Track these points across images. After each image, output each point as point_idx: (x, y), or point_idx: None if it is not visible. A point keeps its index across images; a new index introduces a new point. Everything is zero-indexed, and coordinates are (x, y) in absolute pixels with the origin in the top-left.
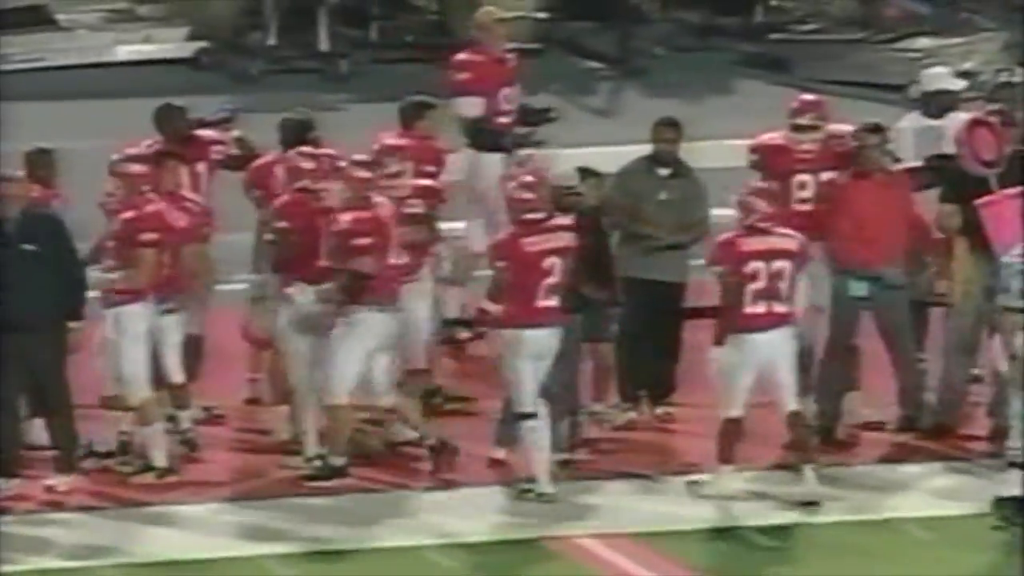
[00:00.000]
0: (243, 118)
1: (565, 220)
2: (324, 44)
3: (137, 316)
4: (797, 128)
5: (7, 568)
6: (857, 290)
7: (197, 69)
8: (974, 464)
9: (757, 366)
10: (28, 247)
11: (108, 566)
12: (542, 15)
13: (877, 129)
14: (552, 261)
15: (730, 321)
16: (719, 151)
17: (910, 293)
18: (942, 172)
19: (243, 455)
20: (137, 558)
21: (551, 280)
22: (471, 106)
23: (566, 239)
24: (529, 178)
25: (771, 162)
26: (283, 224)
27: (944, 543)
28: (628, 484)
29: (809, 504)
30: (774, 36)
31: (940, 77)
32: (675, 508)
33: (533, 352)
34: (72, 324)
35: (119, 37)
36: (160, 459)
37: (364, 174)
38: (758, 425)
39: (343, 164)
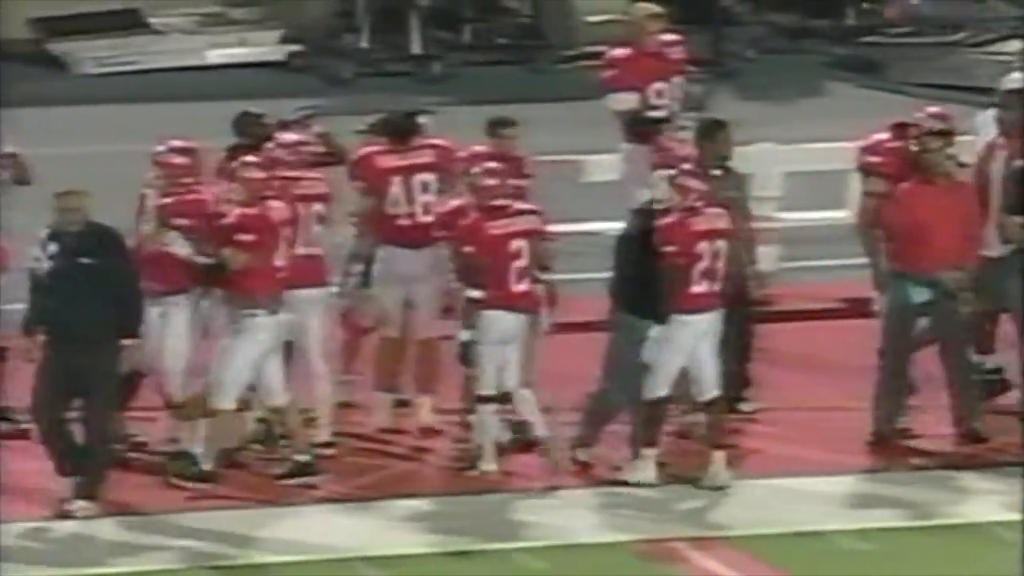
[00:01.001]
0: (334, 120)
1: (529, 206)
2: (416, 47)
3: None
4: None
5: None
6: (917, 296)
7: (290, 72)
8: None
9: (692, 347)
10: (86, 260)
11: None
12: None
13: (942, 134)
14: (519, 244)
15: (673, 301)
16: (811, 154)
17: (973, 301)
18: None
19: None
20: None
21: (519, 263)
22: (624, 101)
23: (532, 222)
24: (493, 164)
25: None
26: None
27: None
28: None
29: (718, 488)
30: (865, 39)
31: (1017, 80)
32: (762, 511)
33: (498, 336)
34: (127, 341)
35: (212, 40)
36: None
37: (257, 175)
38: (845, 427)
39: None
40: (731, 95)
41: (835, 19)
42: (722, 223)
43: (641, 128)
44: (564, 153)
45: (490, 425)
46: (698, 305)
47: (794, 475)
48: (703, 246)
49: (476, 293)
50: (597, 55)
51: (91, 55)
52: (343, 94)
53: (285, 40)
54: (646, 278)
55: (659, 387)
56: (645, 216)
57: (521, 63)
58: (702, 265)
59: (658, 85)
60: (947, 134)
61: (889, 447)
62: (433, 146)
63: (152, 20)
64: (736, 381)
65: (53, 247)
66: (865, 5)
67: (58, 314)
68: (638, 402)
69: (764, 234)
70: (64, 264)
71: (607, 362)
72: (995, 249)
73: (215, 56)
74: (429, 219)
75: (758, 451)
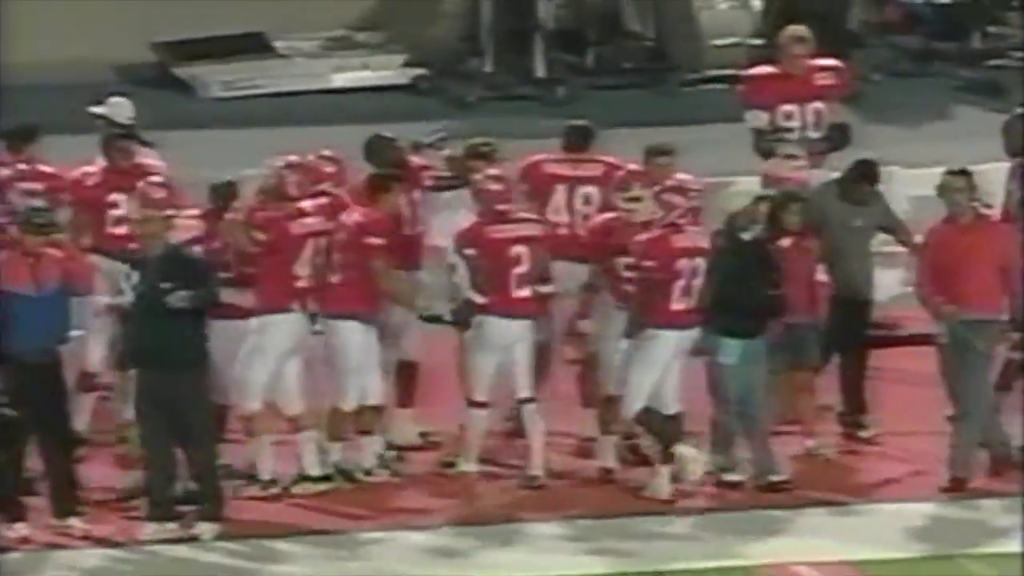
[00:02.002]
0: (459, 143)
1: (529, 214)
2: (540, 70)
3: (281, 328)
4: None
5: None
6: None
7: (414, 95)
8: None
9: (665, 363)
10: (166, 285)
11: None
12: (758, 41)
13: (963, 173)
14: (519, 250)
15: (648, 316)
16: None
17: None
18: None
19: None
20: None
21: (519, 269)
22: (754, 118)
23: (534, 229)
24: (496, 171)
25: None
26: None
27: None
28: (834, 509)
29: (667, 503)
30: (992, 62)
31: None
32: (885, 534)
33: (498, 342)
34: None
35: (336, 64)
36: (266, 472)
37: (160, 194)
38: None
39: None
40: (857, 118)
41: (961, 42)
42: (703, 242)
43: (759, 147)
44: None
45: (478, 428)
46: (677, 322)
47: (916, 500)
48: (683, 263)
49: (478, 297)
50: (722, 78)
51: (217, 79)
52: (467, 118)
53: (409, 64)
54: (733, 298)
55: (635, 402)
56: (728, 238)
57: (646, 86)
58: (682, 282)
59: (788, 107)
60: (967, 174)
61: (1005, 471)
62: (602, 161)
63: (277, 44)
64: (855, 406)
65: (136, 275)
66: (991, 29)
67: (144, 341)
68: (748, 420)
69: (888, 258)
70: (147, 291)
71: (710, 386)
72: None
73: (340, 80)
74: (583, 233)
75: (879, 475)
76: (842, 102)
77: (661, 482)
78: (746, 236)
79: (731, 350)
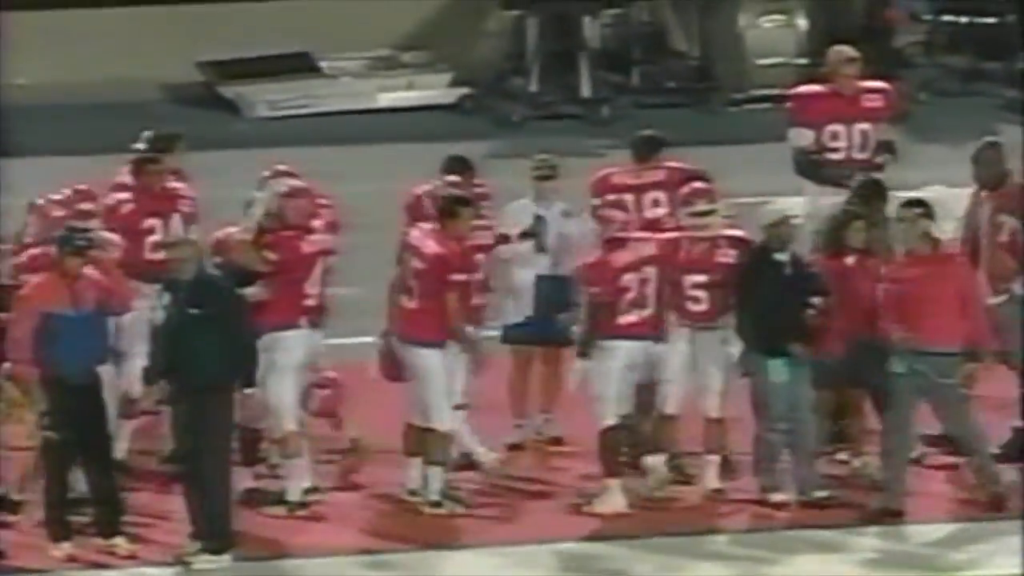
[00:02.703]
0: (504, 163)
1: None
2: (586, 89)
3: (293, 343)
4: None
5: None
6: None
7: (460, 115)
8: None
9: (622, 375)
10: (194, 311)
11: None
12: (804, 60)
13: (918, 203)
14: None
15: (598, 332)
16: None
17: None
18: None
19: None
20: None
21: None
22: (799, 136)
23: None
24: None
25: None
26: None
27: None
28: (880, 530)
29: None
30: None
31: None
32: (929, 553)
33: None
34: (247, 390)
35: (382, 84)
36: (294, 493)
37: (58, 212)
38: None
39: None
40: (903, 137)
41: (1007, 61)
42: (648, 250)
43: (801, 166)
44: (735, 196)
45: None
46: (627, 333)
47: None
48: (628, 278)
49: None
50: (767, 98)
51: (263, 98)
52: (512, 137)
53: (454, 83)
54: (771, 318)
55: (606, 416)
56: (758, 253)
57: (691, 106)
58: (629, 296)
59: (835, 127)
60: (922, 204)
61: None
62: (663, 166)
63: (323, 64)
64: None
65: (167, 297)
66: None
67: (172, 364)
68: (793, 436)
69: None
70: (176, 314)
71: (754, 405)
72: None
73: (385, 99)
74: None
75: (927, 495)
76: (889, 123)
77: (608, 497)
78: (781, 257)
79: (780, 369)
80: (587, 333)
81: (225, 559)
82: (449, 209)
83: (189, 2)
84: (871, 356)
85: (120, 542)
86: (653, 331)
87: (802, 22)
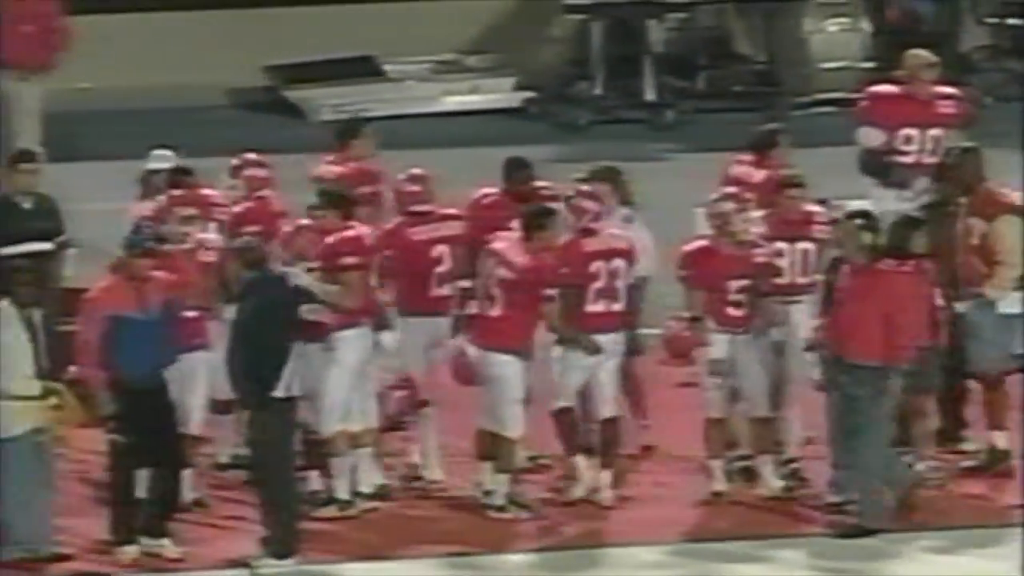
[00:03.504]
0: (568, 167)
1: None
2: (650, 94)
3: (350, 343)
4: None
5: None
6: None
7: (524, 119)
8: None
9: (590, 365)
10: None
11: None
12: (868, 64)
13: (861, 215)
14: (440, 250)
15: (569, 321)
16: None
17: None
18: None
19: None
20: None
21: (440, 269)
22: (869, 136)
23: (454, 228)
24: (417, 171)
25: None
26: None
27: None
28: (946, 535)
29: (608, 508)
30: None
31: None
32: (994, 559)
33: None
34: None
35: (446, 88)
36: (343, 492)
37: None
38: None
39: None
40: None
41: None
42: (620, 243)
43: (868, 167)
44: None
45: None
46: (594, 325)
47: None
48: (598, 265)
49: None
50: (832, 102)
51: (328, 102)
52: (577, 141)
53: (519, 87)
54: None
55: (562, 399)
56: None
57: (756, 110)
58: (597, 285)
59: (908, 131)
60: (866, 215)
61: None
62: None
63: (387, 67)
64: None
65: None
66: None
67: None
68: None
69: None
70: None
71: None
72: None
73: (449, 103)
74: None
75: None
76: (960, 128)
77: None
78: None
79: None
80: (560, 325)
81: (289, 563)
82: (537, 221)
83: (255, 6)
84: (930, 361)
85: (167, 543)
86: (624, 326)
87: (866, 26)
